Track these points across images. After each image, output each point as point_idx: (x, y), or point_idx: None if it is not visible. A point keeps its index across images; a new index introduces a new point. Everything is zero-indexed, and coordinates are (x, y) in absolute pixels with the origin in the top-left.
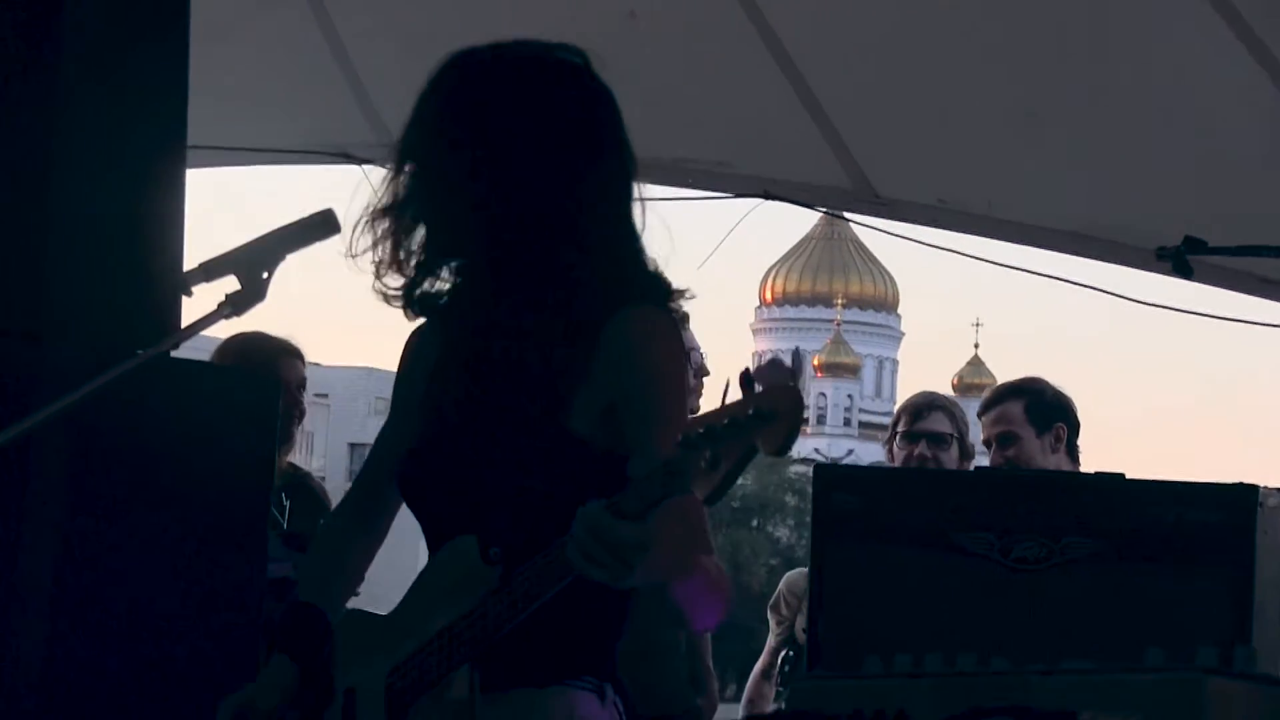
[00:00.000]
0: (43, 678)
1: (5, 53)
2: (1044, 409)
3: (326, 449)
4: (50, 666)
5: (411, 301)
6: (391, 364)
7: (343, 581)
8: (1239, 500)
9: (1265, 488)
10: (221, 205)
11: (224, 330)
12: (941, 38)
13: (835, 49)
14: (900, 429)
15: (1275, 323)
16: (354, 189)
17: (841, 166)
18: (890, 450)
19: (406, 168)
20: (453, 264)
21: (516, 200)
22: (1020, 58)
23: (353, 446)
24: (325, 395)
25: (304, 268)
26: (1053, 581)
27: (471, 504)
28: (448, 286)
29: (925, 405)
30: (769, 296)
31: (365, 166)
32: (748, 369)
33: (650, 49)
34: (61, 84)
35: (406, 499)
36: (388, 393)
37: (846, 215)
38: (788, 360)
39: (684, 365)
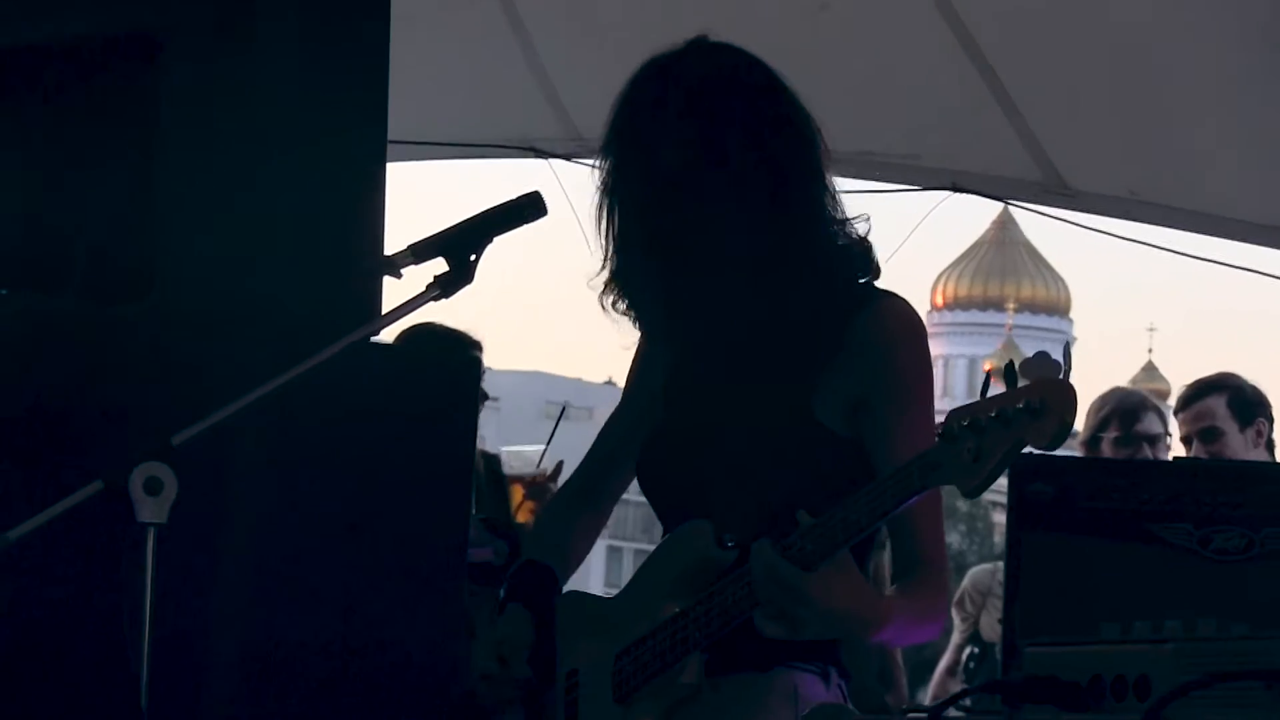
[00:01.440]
0: (243, 666)
1: (206, 49)
2: (1245, 404)
3: (495, 452)
4: (251, 653)
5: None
6: (560, 369)
7: (565, 559)
8: None
9: None
10: (409, 199)
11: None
12: (1133, 24)
13: (1025, 39)
14: (1114, 433)
15: None
16: (542, 183)
17: (1031, 158)
18: (1094, 454)
19: (619, 178)
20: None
21: (753, 199)
22: (1217, 43)
23: None
24: (497, 399)
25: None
26: (1254, 573)
27: (708, 490)
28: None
29: (1138, 407)
30: (940, 301)
31: (552, 161)
32: (1012, 362)
33: (841, 41)
34: (264, 79)
35: (643, 484)
36: (556, 396)
37: (1032, 207)
38: (1057, 356)
39: (929, 360)
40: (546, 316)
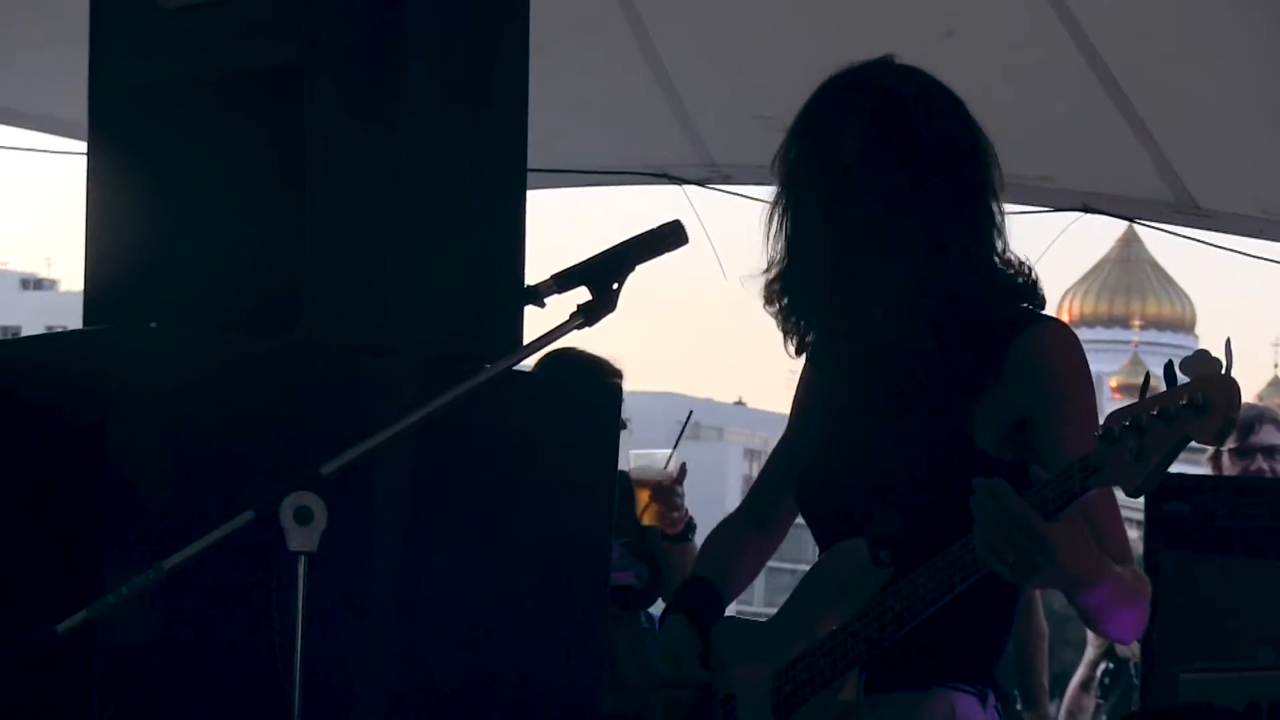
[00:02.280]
0: (393, 695)
1: (351, 82)
2: None
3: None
4: (399, 684)
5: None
6: (688, 389)
7: (731, 575)
8: None
9: None
10: (544, 226)
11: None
12: (1263, 42)
13: (1154, 58)
14: (1231, 445)
15: None
16: (675, 209)
17: (1161, 178)
18: (1217, 466)
19: (794, 202)
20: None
21: (921, 226)
22: None
23: None
24: (627, 421)
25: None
26: None
27: (865, 509)
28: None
29: (1255, 419)
30: (1066, 318)
31: (686, 187)
32: (1172, 360)
33: (968, 65)
34: (406, 110)
35: (800, 504)
36: (684, 416)
37: (1157, 225)
38: (1218, 354)
39: (1089, 376)
40: (678, 338)
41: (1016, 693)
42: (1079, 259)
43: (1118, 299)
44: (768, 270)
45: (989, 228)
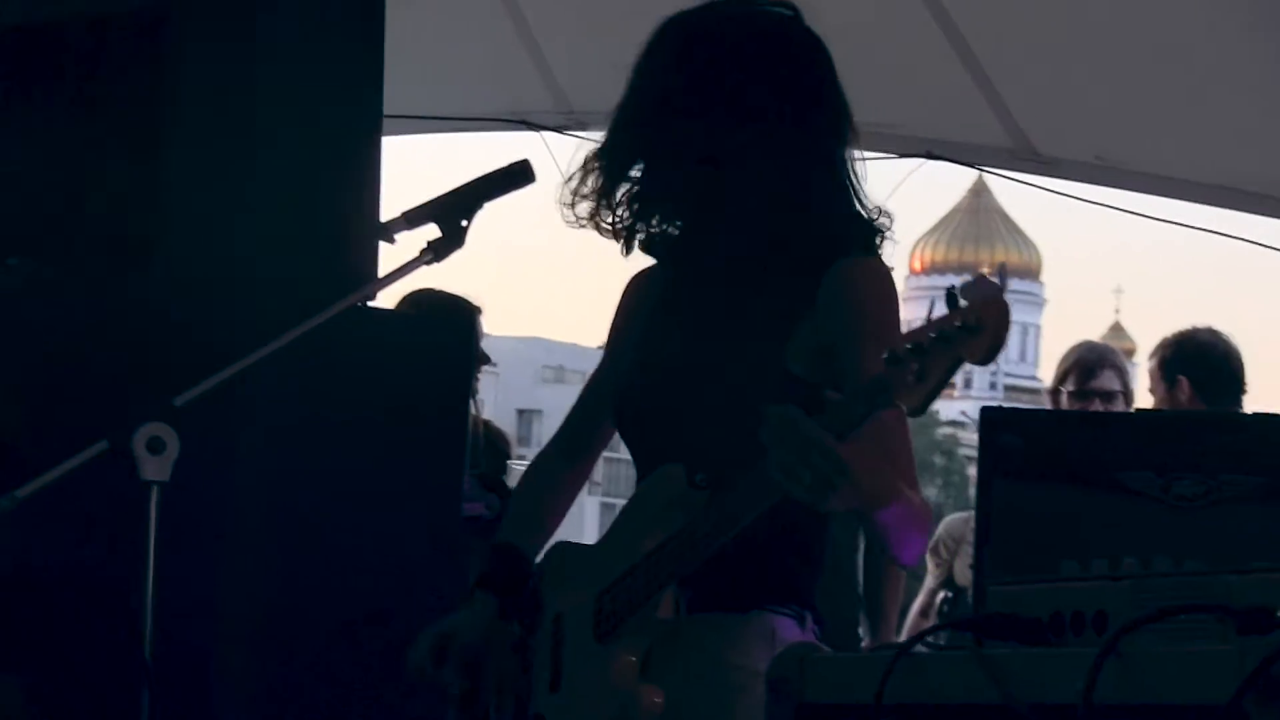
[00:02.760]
0: (251, 621)
1: (209, 29)
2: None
3: (495, 415)
4: (259, 610)
5: (630, 241)
6: (556, 334)
7: (551, 513)
8: None
9: None
10: (405, 172)
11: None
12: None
13: (995, 7)
14: (1071, 387)
15: None
16: (534, 155)
17: (1002, 126)
18: (1056, 404)
19: (626, 124)
20: (669, 212)
21: (739, 154)
22: (1178, 8)
23: (520, 412)
24: (495, 364)
25: (479, 240)
26: (1211, 517)
27: (683, 434)
28: (660, 233)
29: (1096, 363)
30: (918, 266)
31: (545, 134)
32: (953, 286)
33: (816, 17)
34: (264, 56)
35: (621, 429)
36: (553, 361)
37: (1004, 173)
38: (993, 278)
39: (896, 309)
40: (543, 284)
41: (864, 615)
42: (931, 208)
43: (968, 247)
44: (595, 200)
45: (838, 164)
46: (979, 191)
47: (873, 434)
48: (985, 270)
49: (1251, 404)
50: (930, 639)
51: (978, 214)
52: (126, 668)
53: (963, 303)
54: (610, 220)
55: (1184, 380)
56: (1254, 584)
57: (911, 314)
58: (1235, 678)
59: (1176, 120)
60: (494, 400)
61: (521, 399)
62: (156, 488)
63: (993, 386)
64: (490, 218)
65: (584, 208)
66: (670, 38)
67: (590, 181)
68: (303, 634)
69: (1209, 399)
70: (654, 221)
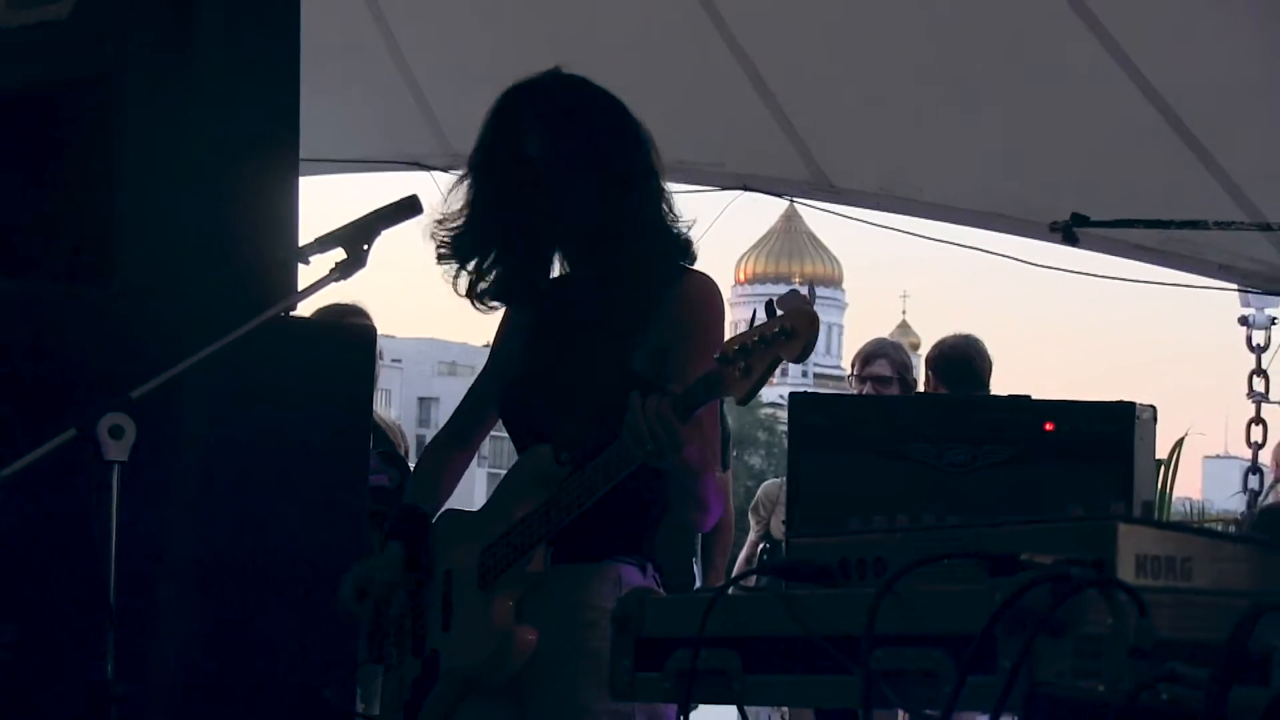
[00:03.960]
0: (192, 570)
1: (153, 79)
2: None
3: (400, 404)
4: (198, 560)
5: (482, 295)
6: (451, 335)
7: (445, 483)
8: (1121, 414)
9: (1139, 404)
10: (319, 207)
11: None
12: (871, 55)
13: (801, 66)
14: (855, 373)
15: (1148, 280)
16: (425, 190)
17: (804, 164)
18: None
19: (482, 178)
20: (523, 255)
21: (586, 199)
22: (938, 64)
23: (421, 400)
24: (399, 360)
25: (385, 260)
26: (976, 479)
27: (551, 423)
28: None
29: (871, 354)
30: (742, 277)
31: (434, 173)
32: (772, 299)
33: (643, 74)
34: (200, 106)
35: (504, 418)
36: (449, 358)
37: (809, 203)
38: (804, 291)
39: (722, 317)
40: (439, 294)
41: (697, 563)
42: (753, 229)
43: (782, 261)
44: (452, 232)
45: (655, 200)
46: (790, 216)
47: (696, 420)
48: (798, 282)
49: (1005, 387)
50: (744, 583)
51: (790, 234)
52: (91, 613)
53: (779, 312)
54: (469, 273)
55: (931, 375)
56: (1003, 534)
57: (738, 316)
58: (987, 611)
59: (947, 158)
60: (399, 390)
61: (421, 389)
62: (118, 466)
63: (804, 375)
64: (392, 240)
65: (447, 266)
66: (509, 106)
67: (450, 243)
68: (236, 582)
69: (956, 389)
70: (504, 267)
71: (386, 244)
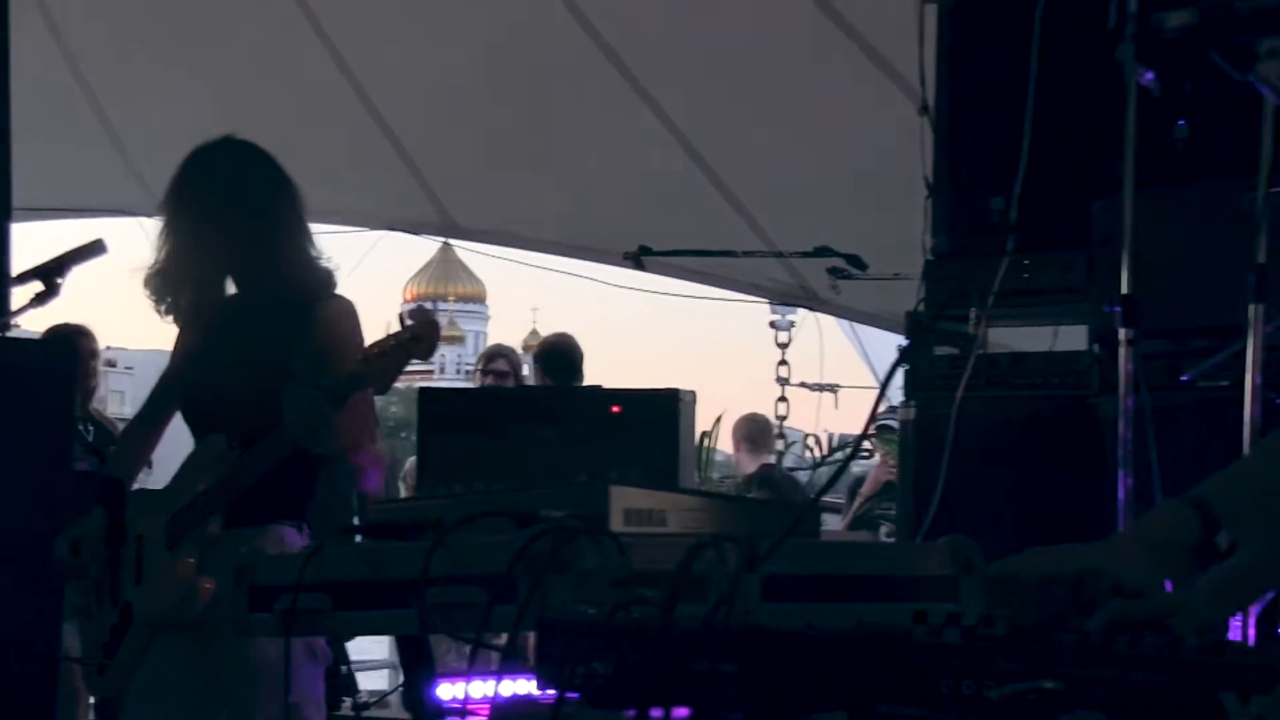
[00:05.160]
0: None
1: None
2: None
3: (132, 403)
4: None
5: (177, 311)
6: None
7: (139, 460)
8: (668, 399)
9: (683, 390)
10: (38, 249)
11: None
12: (487, 118)
13: (431, 126)
14: (479, 368)
15: (700, 295)
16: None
17: (434, 209)
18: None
19: (170, 226)
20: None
21: (245, 241)
22: (530, 122)
23: None
24: (131, 368)
25: (121, 284)
26: (560, 452)
27: (223, 416)
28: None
29: (493, 354)
30: (409, 296)
31: (138, 218)
32: (403, 314)
33: (289, 138)
34: None
35: (184, 412)
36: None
37: (446, 240)
38: (430, 306)
39: (359, 328)
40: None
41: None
42: (416, 259)
43: (440, 284)
44: (153, 270)
45: (302, 241)
46: (446, 249)
47: (350, 406)
48: (451, 300)
49: (594, 377)
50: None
51: (445, 263)
52: None
53: (409, 322)
54: (166, 300)
55: (537, 367)
56: (530, 497)
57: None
58: (510, 556)
59: (543, 205)
60: (130, 392)
61: (148, 391)
62: None
63: (459, 371)
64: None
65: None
66: (190, 165)
67: (150, 279)
68: None
69: (557, 379)
70: (188, 294)
71: (122, 271)
